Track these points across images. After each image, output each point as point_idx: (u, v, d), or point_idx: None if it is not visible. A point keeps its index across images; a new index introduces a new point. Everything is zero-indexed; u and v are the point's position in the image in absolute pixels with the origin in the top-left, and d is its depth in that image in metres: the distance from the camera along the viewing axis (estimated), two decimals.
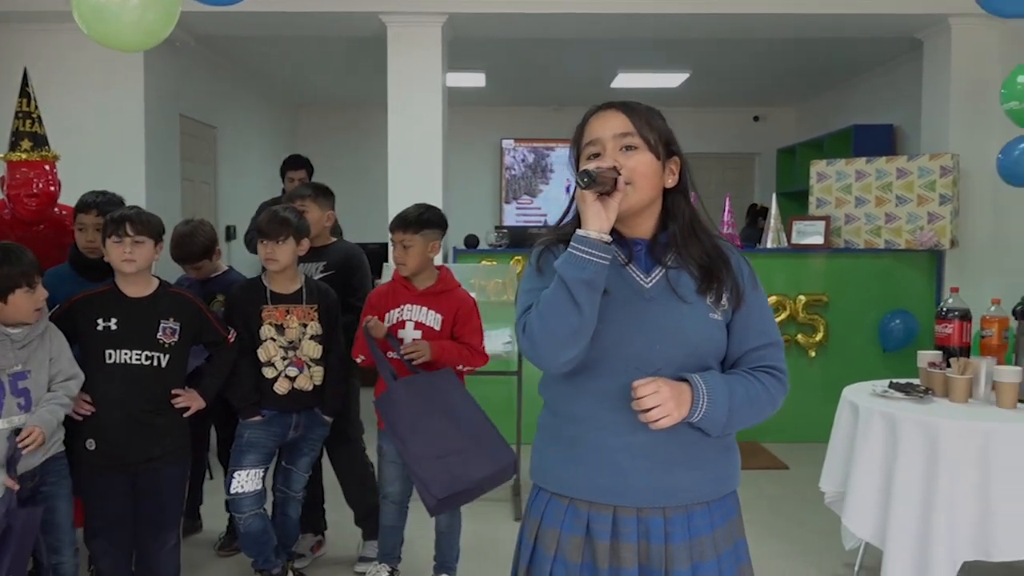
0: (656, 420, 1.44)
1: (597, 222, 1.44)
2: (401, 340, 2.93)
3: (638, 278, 1.56)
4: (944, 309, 3.28)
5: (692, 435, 1.53)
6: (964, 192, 5.17)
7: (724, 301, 1.55)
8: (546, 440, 1.65)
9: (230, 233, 6.99)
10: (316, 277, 3.29)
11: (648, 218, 1.58)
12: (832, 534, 3.39)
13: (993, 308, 3.24)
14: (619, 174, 1.47)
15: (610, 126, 1.54)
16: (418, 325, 2.96)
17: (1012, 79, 3.93)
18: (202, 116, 6.54)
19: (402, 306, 2.97)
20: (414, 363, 2.85)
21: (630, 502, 1.54)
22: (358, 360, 2.99)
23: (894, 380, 3.16)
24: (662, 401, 1.44)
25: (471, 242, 5.35)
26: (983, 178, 5.12)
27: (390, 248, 4.89)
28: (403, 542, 3.17)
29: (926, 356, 3.18)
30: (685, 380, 1.50)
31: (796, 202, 7.85)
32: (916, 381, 3.13)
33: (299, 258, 3.11)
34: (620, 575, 1.53)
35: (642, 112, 1.57)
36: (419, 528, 3.29)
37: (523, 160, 9.46)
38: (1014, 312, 3.11)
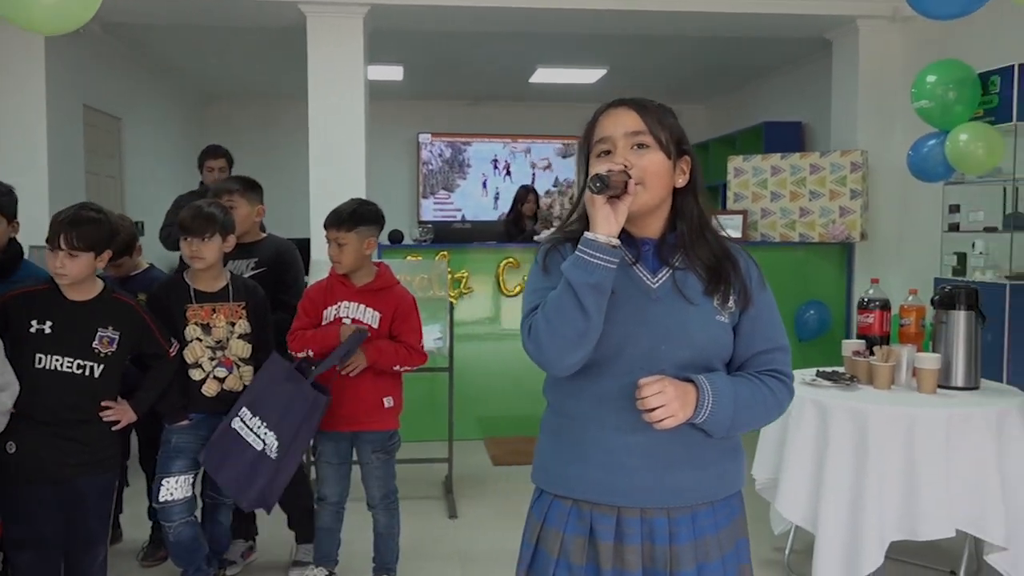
0: (660, 420, 1.43)
1: (606, 226, 1.42)
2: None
3: (645, 278, 1.53)
4: (865, 299, 3.40)
5: (696, 435, 1.51)
6: (872, 187, 5.38)
7: (731, 303, 1.53)
8: (549, 440, 1.63)
9: (137, 229, 6.70)
10: (247, 274, 3.17)
11: (657, 218, 1.56)
12: (761, 520, 3.47)
13: (911, 298, 3.38)
14: (629, 177, 1.44)
15: (621, 124, 1.51)
16: (356, 323, 2.89)
17: (922, 79, 4.11)
18: (106, 107, 6.25)
19: (339, 303, 2.90)
20: (352, 375, 2.82)
21: (634, 502, 1.52)
22: (303, 354, 2.87)
23: (821, 369, 3.26)
24: (667, 401, 1.42)
25: (395, 237, 5.26)
26: (890, 173, 5.34)
27: (312, 243, 4.83)
28: (340, 544, 3.11)
29: (850, 345, 3.29)
30: (690, 380, 1.49)
31: (709, 197, 8.03)
32: (841, 369, 3.24)
33: (228, 255, 3.00)
34: None
35: (654, 110, 1.54)
36: (356, 530, 3.22)
37: (440, 155, 9.39)
38: (932, 302, 3.25)
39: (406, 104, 9.03)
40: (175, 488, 2.78)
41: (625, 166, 1.45)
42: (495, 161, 9.44)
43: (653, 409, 1.42)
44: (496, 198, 9.41)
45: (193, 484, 2.86)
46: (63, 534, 2.55)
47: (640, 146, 1.50)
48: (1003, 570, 2.88)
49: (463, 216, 9.32)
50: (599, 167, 1.45)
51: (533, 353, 1.48)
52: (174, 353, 2.76)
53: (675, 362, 1.50)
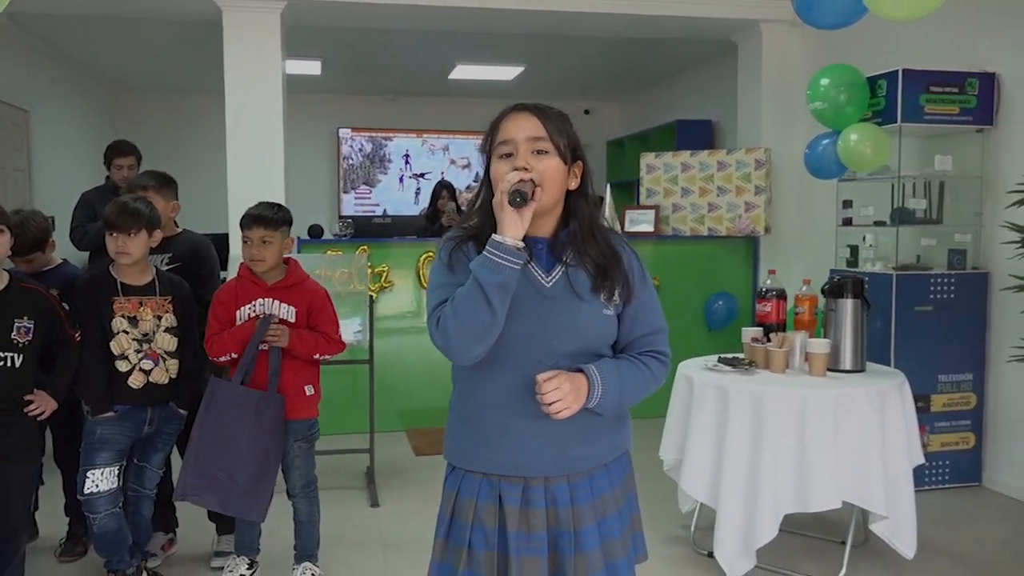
0: (558, 412, 1.58)
1: (513, 229, 1.54)
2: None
3: (539, 276, 1.66)
4: (763, 289, 3.61)
5: (588, 415, 1.66)
6: (775, 183, 5.66)
7: (616, 296, 1.68)
8: (457, 423, 1.76)
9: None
10: (161, 269, 3.19)
11: (550, 218, 1.68)
12: (669, 499, 3.66)
13: (804, 288, 3.60)
14: (536, 185, 1.57)
15: (524, 128, 1.63)
16: (257, 319, 2.96)
17: (816, 82, 4.35)
18: (14, 99, 6.08)
19: (254, 301, 2.96)
20: (271, 345, 2.90)
21: (537, 473, 1.67)
22: (224, 359, 2.93)
23: (722, 355, 3.46)
24: (563, 396, 1.57)
25: (315, 232, 5.30)
26: (790, 170, 5.62)
27: (231, 239, 4.82)
28: (261, 534, 3.16)
29: (749, 332, 3.50)
30: (581, 370, 1.63)
31: (624, 192, 8.28)
32: (741, 355, 3.45)
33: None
34: (531, 539, 1.66)
35: (554, 118, 1.66)
36: (276, 519, 3.27)
37: (360, 149, 9.39)
38: (822, 291, 3.48)
39: (325, 98, 9.01)
40: (100, 480, 2.82)
41: (527, 169, 1.57)
42: (406, 157, 9.48)
43: (551, 403, 1.57)
44: (417, 192, 9.46)
45: (118, 476, 2.89)
46: None
47: (540, 151, 1.62)
48: (885, 537, 3.13)
49: (385, 211, 9.35)
50: (502, 168, 1.59)
51: (440, 343, 1.60)
52: (78, 338, 2.79)
53: (567, 353, 1.65)
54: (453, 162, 9.54)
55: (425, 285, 5.39)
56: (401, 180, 9.48)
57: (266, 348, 2.91)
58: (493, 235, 1.55)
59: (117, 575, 2.93)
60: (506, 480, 1.68)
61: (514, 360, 1.64)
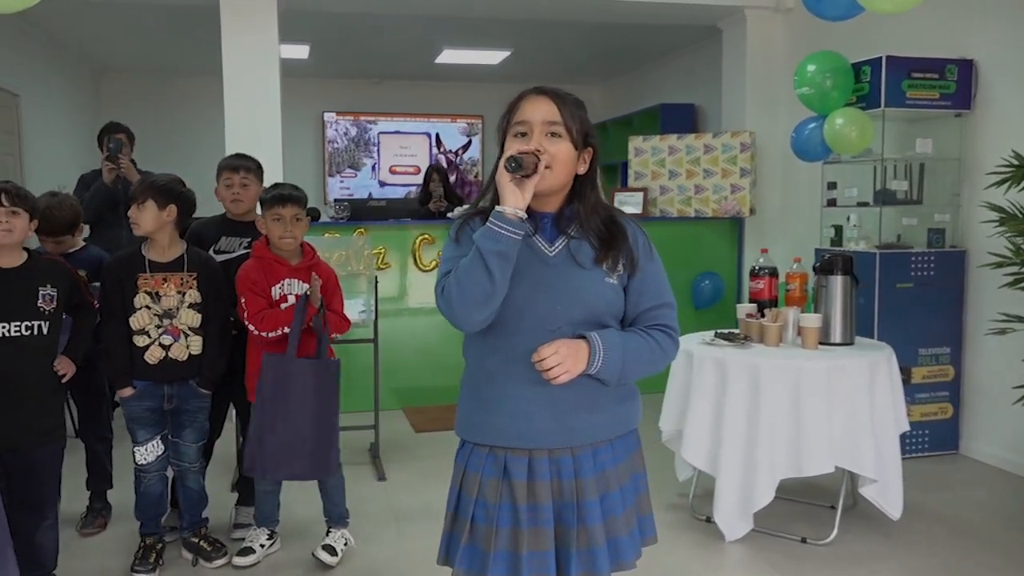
0: (556, 377, 1.63)
1: (514, 200, 1.60)
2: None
3: (543, 247, 1.73)
4: (756, 268, 3.78)
5: (592, 385, 1.71)
6: (759, 166, 5.83)
7: (620, 267, 1.73)
8: (467, 395, 1.83)
9: None
10: (238, 252, 3.30)
11: (557, 197, 1.75)
12: (665, 469, 3.82)
13: (795, 266, 3.78)
14: (539, 159, 1.64)
15: (540, 112, 1.69)
16: (297, 298, 3.06)
17: (803, 67, 4.51)
18: (4, 83, 6.08)
19: (282, 281, 3.06)
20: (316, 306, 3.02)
21: (541, 444, 1.73)
22: (273, 334, 2.98)
23: (718, 330, 3.63)
24: (561, 360, 1.62)
25: (313, 215, 5.38)
26: (774, 153, 5.80)
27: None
28: (280, 506, 3.28)
29: (744, 308, 3.67)
30: (584, 337, 1.67)
31: (608, 175, 8.42)
32: (736, 330, 3.61)
33: (222, 231, 3.25)
34: (537, 511, 1.71)
35: (570, 103, 1.71)
36: (294, 492, 3.39)
37: (345, 133, 9.44)
38: (814, 268, 3.65)
39: (310, 82, 9.03)
40: (146, 452, 3.05)
41: (537, 150, 1.65)
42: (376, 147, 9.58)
43: (549, 368, 1.62)
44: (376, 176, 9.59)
45: (161, 441, 3.08)
46: (9, 503, 2.64)
47: (553, 134, 1.68)
48: (873, 499, 3.33)
49: (371, 194, 9.41)
50: (514, 147, 1.66)
51: (444, 310, 1.67)
52: (97, 305, 2.91)
53: (570, 320, 1.70)
54: (440, 146, 9.64)
55: (421, 266, 5.50)
56: (374, 168, 9.56)
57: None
58: (495, 206, 1.62)
59: (150, 539, 3.09)
60: (511, 453, 1.73)
61: (517, 327, 1.69)
